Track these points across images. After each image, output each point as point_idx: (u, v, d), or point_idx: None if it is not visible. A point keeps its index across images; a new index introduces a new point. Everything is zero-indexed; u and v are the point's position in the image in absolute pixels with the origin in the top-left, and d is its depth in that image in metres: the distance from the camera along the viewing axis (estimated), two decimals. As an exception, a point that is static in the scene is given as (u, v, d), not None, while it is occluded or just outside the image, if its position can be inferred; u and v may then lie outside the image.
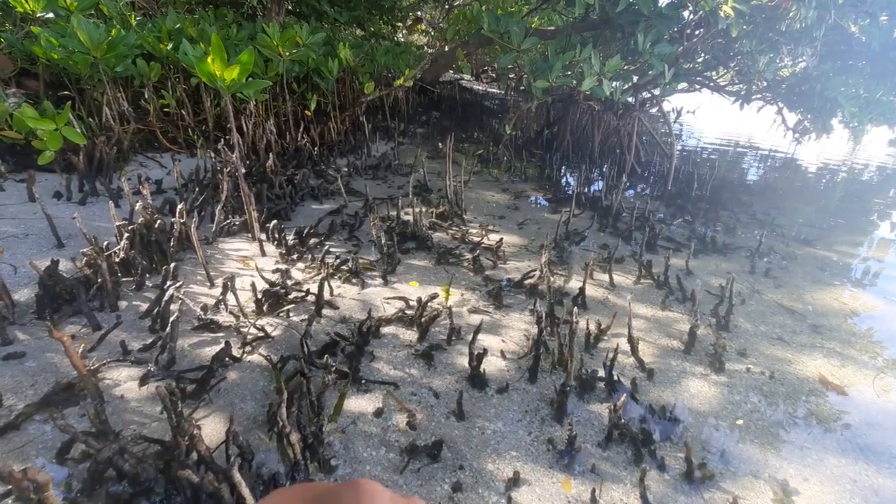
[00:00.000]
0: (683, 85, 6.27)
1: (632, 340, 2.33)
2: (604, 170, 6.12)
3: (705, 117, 11.44)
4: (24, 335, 2.06)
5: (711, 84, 6.64)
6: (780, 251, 4.01)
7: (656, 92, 5.88)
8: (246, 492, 1.22)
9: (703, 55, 6.31)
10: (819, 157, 8.52)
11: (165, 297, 2.15)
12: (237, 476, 1.19)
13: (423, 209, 3.84)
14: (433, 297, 2.51)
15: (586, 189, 5.30)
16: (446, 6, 10.24)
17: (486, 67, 14.40)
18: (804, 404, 2.20)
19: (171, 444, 1.49)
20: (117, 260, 2.47)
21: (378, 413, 1.88)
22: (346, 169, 4.98)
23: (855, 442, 1.99)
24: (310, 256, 3.05)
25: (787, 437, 1.99)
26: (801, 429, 2.04)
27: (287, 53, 4.60)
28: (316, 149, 5.14)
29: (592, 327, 2.51)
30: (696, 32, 5.38)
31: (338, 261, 2.95)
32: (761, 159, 8.36)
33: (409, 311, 2.53)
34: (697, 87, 6.84)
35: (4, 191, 3.34)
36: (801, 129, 5.76)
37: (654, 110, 8.64)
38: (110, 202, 2.64)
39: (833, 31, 4.92)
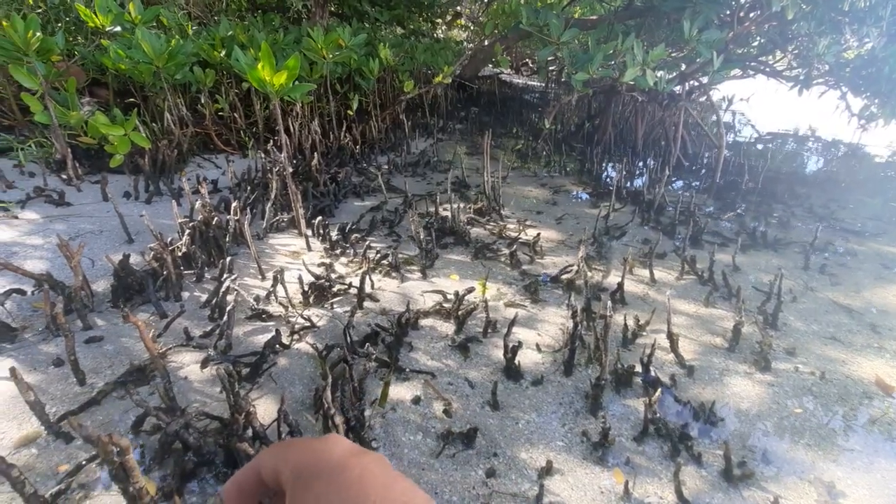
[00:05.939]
0: (736, 71, 5.96)
1: (671, 336, 2.31)
2: (647, 163, 5.94)
3: (760, 105, 10.82)
4: (101, 321, 2.30)
5: (767, 69, 6.28)
6: (838, 246, 3.79)
7: (704, 80, 5.64)
8: (295, 466, 1.33)
9: (757, 39, 5.98)
10: (889, 145, 7.87)
11: (223, 289, 2.33)
12: (288, 451, 1.31)
13: (462, 205, 3.90)
14: (470, 290, 2.57)
15: (628, 183, 5.17)
16: (485, 0, 10.20)
17: (525, 59, 14.22)
18: (856, 406, 2.10)
19: (229, 421, 1.64)
20: (180, 254, 2.69)
21: (416, 401, 1.97)
22: (386, 166, 5.11)
23: (913, 447, 1.89)
24: (352, 251, 3.19)
25: (836, 439, 1.91)
26: (851, 431, 1.96)
27: (330, 56, 4.77)
28: (358, 147, 5.31)
29: (631, 323, 2.49)
30: (750, 15, 5.11)
31: (378, 255, 3.07)
32: (822, 148, 7.82)
33: (446, 305, 2.60)
34: (751, 72, 6.48)
35: (81, 191, 3.68)
36: (867, 114, 5.36)
37: (702, 99, 8.27)
38: (173, 201, 2.87)
39: (903, 8, 4.53)
